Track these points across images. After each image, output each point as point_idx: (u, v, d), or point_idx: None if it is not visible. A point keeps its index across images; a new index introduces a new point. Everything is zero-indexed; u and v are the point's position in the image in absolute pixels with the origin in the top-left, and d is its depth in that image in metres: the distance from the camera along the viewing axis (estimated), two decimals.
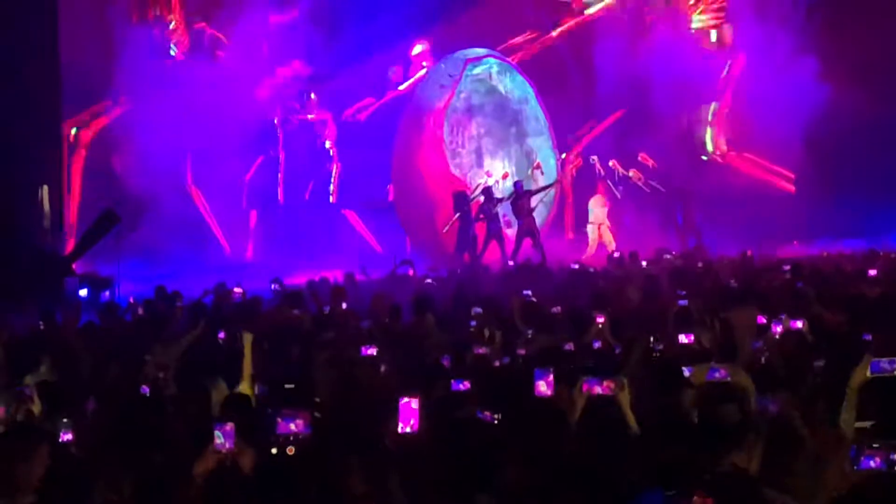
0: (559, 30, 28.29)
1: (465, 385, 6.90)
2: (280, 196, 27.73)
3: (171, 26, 26.33)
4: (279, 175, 27.59)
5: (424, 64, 28.26)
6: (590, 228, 24.66)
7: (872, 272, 15.14)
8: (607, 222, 24.91)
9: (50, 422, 6.83)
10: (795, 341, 8.82)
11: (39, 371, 9.07)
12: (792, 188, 26.49)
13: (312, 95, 27.72)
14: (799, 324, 9.44)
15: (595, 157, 26.01)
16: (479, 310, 12.11)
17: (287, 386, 7.49)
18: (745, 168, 27.03)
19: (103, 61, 24.03)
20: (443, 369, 8.24)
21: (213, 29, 26.63)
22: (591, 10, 28.27)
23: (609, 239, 24.31)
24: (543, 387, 6.62)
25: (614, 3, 28.13)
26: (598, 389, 6.12)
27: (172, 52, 26.23)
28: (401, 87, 28.31)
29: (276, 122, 27.53)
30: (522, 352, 9.04)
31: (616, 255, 21.55)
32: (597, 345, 9.69)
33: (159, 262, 22.66)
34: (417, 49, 28.27)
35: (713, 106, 27.27)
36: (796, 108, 24.56)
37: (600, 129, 27.60)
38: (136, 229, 21.09)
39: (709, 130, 27.33)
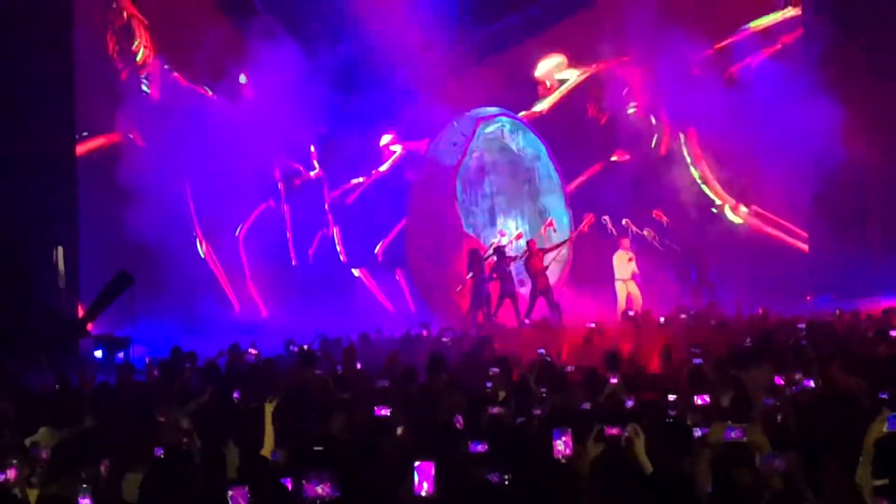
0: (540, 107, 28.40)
1: (482, 447, 6.90)
2: (292, 255, 27.70)
3: (139, 59, 25.72)
4: (287, 233, 27.56)
5: (395, 149, 28.40)
6: (618, 286, 24.45)
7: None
8: (633, 273, 24.65)
9: (67, 485, 6.82)
10: (809, 400, 8.81)
11: (51, 432, 9.09)
12: (805, 248, 26.36)
13: (312, 148, 27.79)
14: (812, 382, 9.44)
15: (607, 217, 25.94)
16: (496, 370, 12.13)
17: (316, 448, 7.43)
18: (756, 226, 26.94)
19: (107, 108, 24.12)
20: (456, 430, 8.24)
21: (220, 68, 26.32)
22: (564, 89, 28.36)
23: (637, 295, 24.13)
24: (562, 447, 6.61)
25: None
26: (613, 431, 6.13)
27: (145, 89, 25.72)
28: (381, 168, 28.43)
29: (276, 174, 27.49)
30: (538, 412, 9.00)
31: (630, 313, 21.50)
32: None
33: (173, 321, 22.73)
34: (385, 139, 28.39)
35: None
36: (809, 158, 24.61)
37: (584, 176, 27.69)
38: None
39: (711, 187, 27.25)
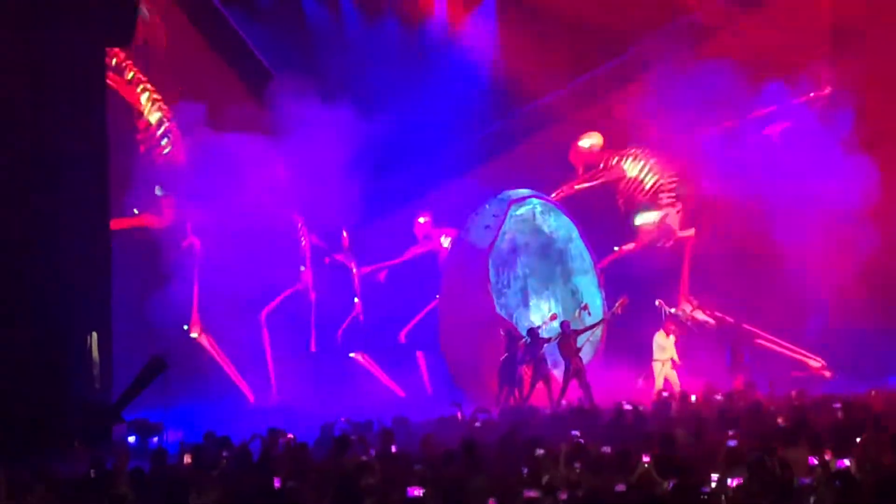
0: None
1: None
2: (312, 343, 27.72)
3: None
4: (311, 318, 27.58)
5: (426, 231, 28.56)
6: (655, 366, 24.33)
7: None
8: (673, 357, 24.52)
9: None
10: (845, 481, 8.72)
11: None
12: (828, 375, 25.91)
13: (345, 233, 27.92)
14: (847, 462, 9.36)
15: (659, 301, 25.85)
16: (541, 451, 12.09)
17: None
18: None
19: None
20: None
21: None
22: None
23: (674, 378, 24.00)
24: None
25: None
26: None
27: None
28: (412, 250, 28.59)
29: (303, 254, 27.59)
30: (564, 496, 8.91)
31: (665, 394, 21.38)
32: None
33: (204, 404, 22.92)
34: (422, 220, 28.61)
35: None
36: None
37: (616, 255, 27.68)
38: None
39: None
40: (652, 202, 27.92)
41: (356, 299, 28.06)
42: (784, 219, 25.18)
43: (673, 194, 27.72)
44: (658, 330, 24.75)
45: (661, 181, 27.80)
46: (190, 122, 25.70)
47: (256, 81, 26.56)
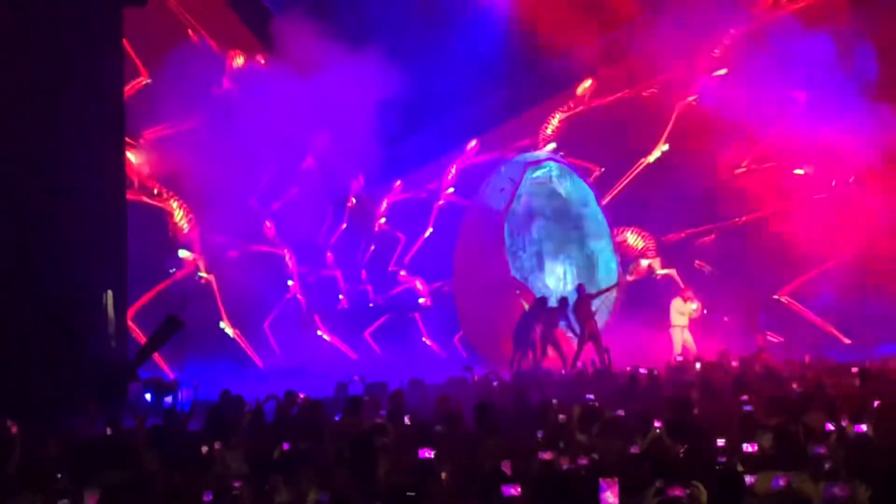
0: None
1: (515, 490, 6.87)
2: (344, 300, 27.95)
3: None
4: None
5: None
6: (673, 332, 24.28)
7: None
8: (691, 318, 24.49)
9: None
10: (861, 445, 8.69)
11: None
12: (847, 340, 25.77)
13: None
14: (864, 427, 9.32)
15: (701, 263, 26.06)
16: (556, 415, 12.09)
17: (409, 493, 7.38)
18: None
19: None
20: (503, 476, 8.20)
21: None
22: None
23: (691, 342, 23.95)
24: (610, 497, 6.58)
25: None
26: (675, 493, 6.08)
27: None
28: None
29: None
30: (584, 461, 8.89)
31: (679, 358, 21.35)
32: None
33: (219, 363, 23.04)
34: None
35: None
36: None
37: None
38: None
39: None
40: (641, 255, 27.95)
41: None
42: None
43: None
44: (675, 296, 24.66)
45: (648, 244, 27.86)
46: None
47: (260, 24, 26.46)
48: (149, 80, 24.58)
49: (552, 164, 26.92)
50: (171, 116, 24.46)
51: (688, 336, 23.99)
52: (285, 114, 24.69)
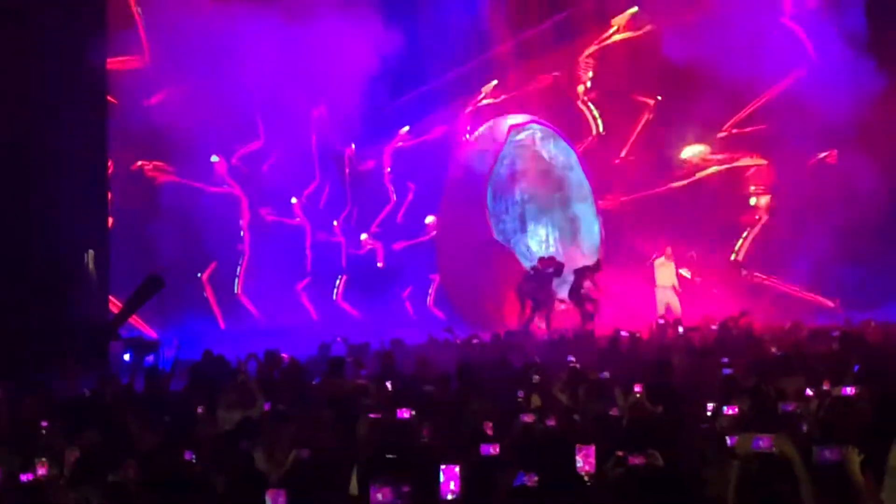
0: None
1: (494, 449, 6.89)
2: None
3: None
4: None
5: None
6: (658, 293, 24.28)
7: None
8: (674, 285, 24.48)
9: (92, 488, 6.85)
10: (842, 408, 8.73)
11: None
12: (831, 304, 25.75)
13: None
14: (849, 390, 9.35)
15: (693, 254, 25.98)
16: (538, 378, 12.13)
17: (388, 456, 7.36)
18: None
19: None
20: (485, 436, 8.22)
21: None
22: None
23: (676, 305, 23.98)
24: (581, 463, 6.62)
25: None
26: (634, 461, 6.11)
27: None
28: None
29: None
30: (552, 422, 8.88)
31: (660, 321, 21.42)
32: None
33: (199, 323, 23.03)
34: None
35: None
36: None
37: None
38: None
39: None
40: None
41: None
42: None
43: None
44: (658, 256, 24.69)
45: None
46: None
47: None
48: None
49: (536, 126, 26.86)
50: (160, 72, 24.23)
51: (673, 298, 24.04)
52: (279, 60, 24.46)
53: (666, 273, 24.33)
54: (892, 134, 23.90)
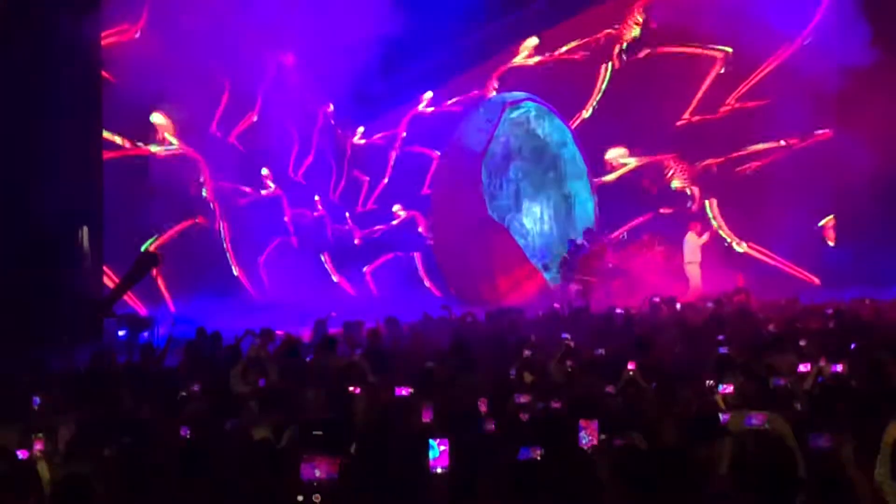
0: None
1: (489, 425, 6.93)
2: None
3: None
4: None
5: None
6: (689, 268, 24.21)
7: None
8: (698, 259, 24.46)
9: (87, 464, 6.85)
10: (834, 385, 8.77)
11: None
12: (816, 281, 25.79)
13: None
14: (839, 367, 9.38)
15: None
16: (528, 353, 12.16)
17: (315, 433, 7.33)
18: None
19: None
20: (479, 413, 8.24)
21: None
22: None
23: (697, 281, 23.97)
24: (586, 438, 6.64)
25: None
26: (618, 443, 6.14)
27: None
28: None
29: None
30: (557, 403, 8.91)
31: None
32: None
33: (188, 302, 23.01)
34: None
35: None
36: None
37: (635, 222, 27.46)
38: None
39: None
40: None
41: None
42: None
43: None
44: (687, 232, 24.62)
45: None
46: None
47: None
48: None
49: (530, 104, 26.79)
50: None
51: (696, 272, 24.00)
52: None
53: (694, 248, 24.25)
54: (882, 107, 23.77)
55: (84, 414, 8.83)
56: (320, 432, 7.13)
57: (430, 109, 28.51)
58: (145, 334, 18.78)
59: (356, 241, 28.16)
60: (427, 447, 6.17)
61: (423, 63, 27.32)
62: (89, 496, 5.88)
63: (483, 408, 8.49)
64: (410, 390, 9.08)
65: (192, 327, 16.11)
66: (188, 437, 7.84)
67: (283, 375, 11.60)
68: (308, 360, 13.41)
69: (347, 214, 28.25)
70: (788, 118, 24.75)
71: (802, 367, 9.90)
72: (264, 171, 26.91)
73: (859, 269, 23.56)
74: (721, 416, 7.18)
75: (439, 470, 6.10)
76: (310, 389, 9.67)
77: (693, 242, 24.24)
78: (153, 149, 24.90)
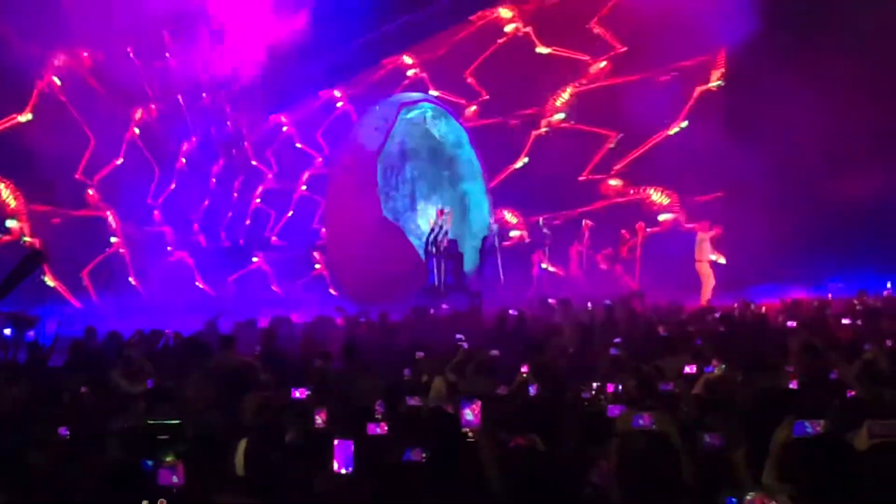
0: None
1: (381, 428, 6.92)
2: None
3: None
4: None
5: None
6: (701, 267, 24.26)
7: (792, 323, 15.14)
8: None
9: None
10: (719, 388, 8.94)
11: None
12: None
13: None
14: (713, 369, 9.58)
15: (542, 220, 26.43)
16: (421, 354, 12.16)
17: (161, 437, 7.16)
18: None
19: None
20: (374, 415, 8.22)
21: None
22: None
23: (707, 280, 24.14)
24: (470, 415, 6.69)
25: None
26: (519, 441, 6.18)
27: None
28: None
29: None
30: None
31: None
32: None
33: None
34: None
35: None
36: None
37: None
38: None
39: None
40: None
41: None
42: None
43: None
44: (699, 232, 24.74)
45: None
46: None
47: None
48: None
49: (427, 105, 26.86)
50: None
51: (706, 270, 24.15)
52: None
53: (703, 247, 24.36)
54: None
55: None
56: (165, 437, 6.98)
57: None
58: (31, 333, 18.40)
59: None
60: (329, 449, 6.15)
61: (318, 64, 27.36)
62: None
63: (379, 410, 8.48)
64: (307, 393, 9.04)
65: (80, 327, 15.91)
66: (68, 436, 7.71)
67: (181, 374, 11.47)
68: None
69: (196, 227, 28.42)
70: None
71: (688, 369, 10.06)
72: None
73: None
74: (610, 417, 7.27)
75: (343, 472, 6.09)
76: (191, 388, 9.59)
77: (702, 240, 24.37)
78: None
